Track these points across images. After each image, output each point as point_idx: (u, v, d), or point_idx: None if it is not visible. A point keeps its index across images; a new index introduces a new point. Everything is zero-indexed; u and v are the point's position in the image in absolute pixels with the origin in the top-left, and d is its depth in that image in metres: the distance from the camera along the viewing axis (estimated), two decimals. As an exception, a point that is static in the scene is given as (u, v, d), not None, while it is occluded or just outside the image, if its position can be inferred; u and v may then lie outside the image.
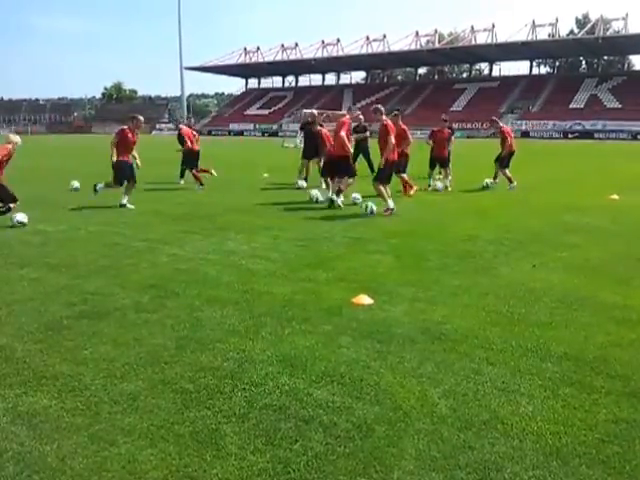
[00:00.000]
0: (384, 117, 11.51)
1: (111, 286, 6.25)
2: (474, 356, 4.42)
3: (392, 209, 11.13)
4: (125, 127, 12.33)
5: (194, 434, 3.37)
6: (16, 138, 10.78)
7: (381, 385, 3.96)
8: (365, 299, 5.73)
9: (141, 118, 12.69)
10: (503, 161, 16.13)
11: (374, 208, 11.05)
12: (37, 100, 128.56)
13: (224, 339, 4.77)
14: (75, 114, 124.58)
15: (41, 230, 9.56)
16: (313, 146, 16.14)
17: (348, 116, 13.27)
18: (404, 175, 14.24)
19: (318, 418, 3.54)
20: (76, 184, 15.22)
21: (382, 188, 11.30)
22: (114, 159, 12.14)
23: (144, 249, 8.12)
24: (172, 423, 3.48)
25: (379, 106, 11.77)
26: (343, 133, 12.46)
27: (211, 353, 4.49)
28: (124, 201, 12.24)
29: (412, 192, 14.17)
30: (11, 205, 10.51)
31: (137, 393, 3.85)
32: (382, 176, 11.38)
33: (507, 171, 15.94)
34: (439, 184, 15.68)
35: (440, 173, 16.62)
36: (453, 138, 18.79)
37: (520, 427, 3.44)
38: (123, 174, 12.31)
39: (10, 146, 10.51)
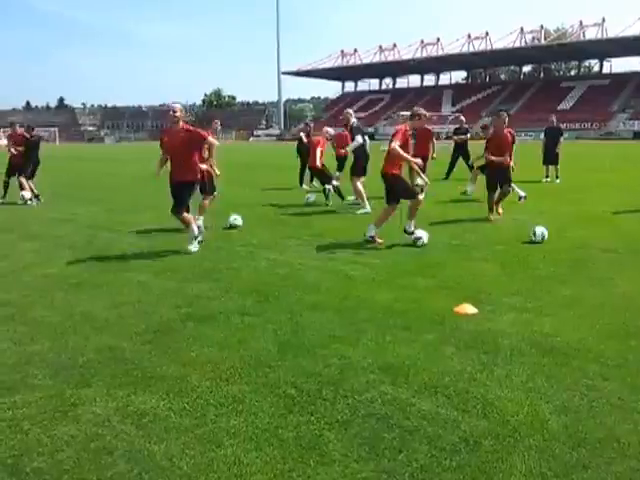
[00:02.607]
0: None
1: (215, 290, 6.40)
2: (588, 371, 4.20)
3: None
4: (401, 126, 9.10)
5: (298, 439, 3.37)
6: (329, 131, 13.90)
7: (488, 398, 3.83)
8: (469, 308, 5.58)
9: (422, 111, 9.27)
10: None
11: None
12: (140, 107, 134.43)
13: (325, 345, 4.77)
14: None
15: (148, 233, 9.99)
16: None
17: None
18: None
19: (422, 429, 3.46)
20: None
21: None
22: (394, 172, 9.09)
23: (245, 254, 8.28)
24: (276, 427, 3.51)
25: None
26: None
27: (312, 359, 4.50)
28: None
29: None
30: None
31: (242, 396, 3.90)
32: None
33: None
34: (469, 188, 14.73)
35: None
36: (561, 139, 18.19)
37: (638, 447, 3.24)
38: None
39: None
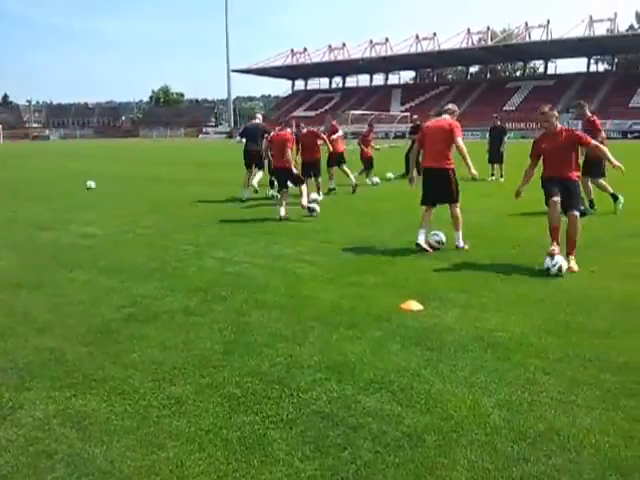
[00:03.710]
0: None
1: (160, 289, 6.30)
2: (529, 365, 4.28)
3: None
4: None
5: (242, 439, 3.34)
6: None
7: (432, 393, 3.86)
8: (414, 305, 5.63)
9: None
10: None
11: None
12: (86, 104, 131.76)
13: (271, 344, 4.74)
14: (123, 118, 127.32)
15: (90, 233, 9.77)
16: None
17: None
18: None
19: (367, 426, 3.47)
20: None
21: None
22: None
23: (192, 252, 8.19)
24: (220, 428, 3.46)
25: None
26: None
27: (259, 358, 4.47)
28: None
29: None
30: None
31: (185, 397, 3.84)
32: None
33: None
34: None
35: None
36: (505, 138, 18.70)
37: (577, 439, 3.30)
38: None
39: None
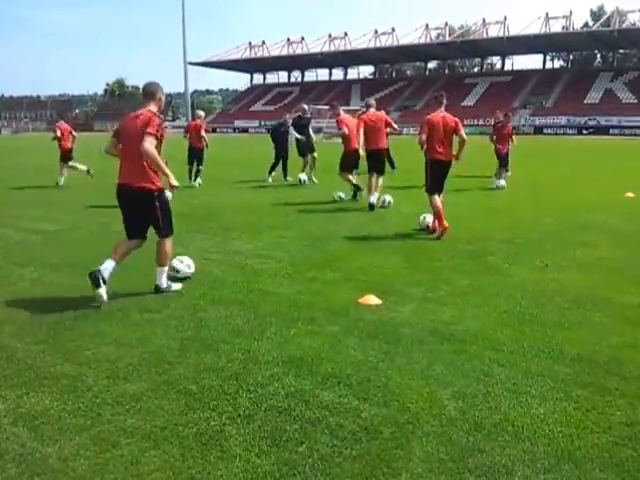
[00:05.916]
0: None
1: (114, 286, 6.14)
2: (484, 357, 4.34)
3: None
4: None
5: (198, 436, 3.31)
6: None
7: (389, 386, 3.89)
8: (372, 299, 5.66)
9: None
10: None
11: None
12: (38, 97, 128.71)
13: (229, 340, 4.71)
14: (76, 111, 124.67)
15: (41, 229, 9.54)
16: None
17: None
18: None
19: (324, 420, 3.47)
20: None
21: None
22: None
23: (147, 248, 8.02)
24: (175, 424, 3.42)
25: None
26: None
27: (215, 354, 4.43)
28: None
29: None
30: None
31: (140, 394, 3.79)
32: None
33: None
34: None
35: None
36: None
37: (531, 430, 3.36)
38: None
39: None
